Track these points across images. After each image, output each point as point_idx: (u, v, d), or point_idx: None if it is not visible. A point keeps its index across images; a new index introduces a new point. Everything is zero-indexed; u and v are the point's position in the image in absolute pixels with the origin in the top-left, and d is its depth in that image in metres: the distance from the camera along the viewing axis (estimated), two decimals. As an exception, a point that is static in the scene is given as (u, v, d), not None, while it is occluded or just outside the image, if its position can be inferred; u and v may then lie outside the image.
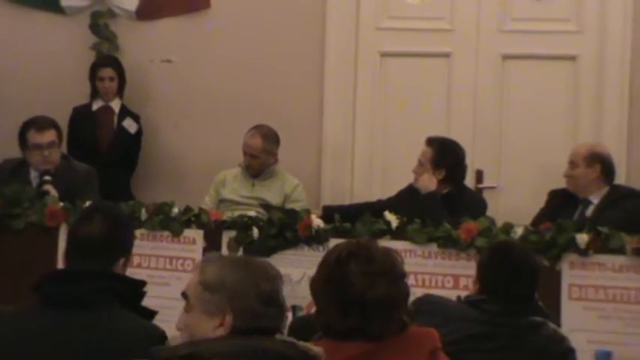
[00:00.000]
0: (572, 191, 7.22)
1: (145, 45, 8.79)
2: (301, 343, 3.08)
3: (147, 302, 4.24)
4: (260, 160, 7.85)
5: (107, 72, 8.59)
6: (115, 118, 8.61)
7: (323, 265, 3.86)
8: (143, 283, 4.25)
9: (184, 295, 3.22)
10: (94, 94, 8.64)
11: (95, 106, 8.64)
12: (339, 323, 3.74)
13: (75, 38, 8.81)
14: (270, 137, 7.88)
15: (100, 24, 8.81)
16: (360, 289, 3.71)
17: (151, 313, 4.02)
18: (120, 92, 8.64)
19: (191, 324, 3.19)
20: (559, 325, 5.72)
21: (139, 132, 8.65)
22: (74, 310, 3.98)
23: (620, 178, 7.50)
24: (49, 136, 7.38)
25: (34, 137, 7.37)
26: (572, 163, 7.19)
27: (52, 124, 7.47)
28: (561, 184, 7.36)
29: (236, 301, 3.15)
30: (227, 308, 3.14)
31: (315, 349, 2.95)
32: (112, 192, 7.51)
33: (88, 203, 6.58)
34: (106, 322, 3.94)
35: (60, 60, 8.82)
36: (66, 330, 3.96)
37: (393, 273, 3.82)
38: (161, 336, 3.74)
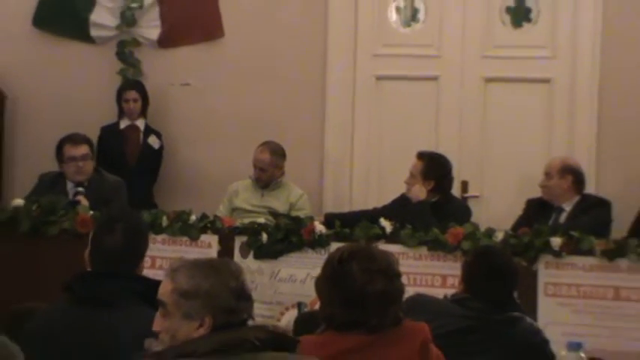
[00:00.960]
0: (547, 200, 7.26)
1: (166, 70, 8.78)
2: (270, 326, 3.17)
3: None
4: (268, 173, 7.85)
5: (132, 94, 8.58)
6: (141, 136, 8.59)
7: (327, 265, 3.86)
8: (160, 283, 4.22)
9: (160, 301, 3.16)
10: (121, 114, 8.61)
11: (122, 124, 8.62)
12: (340, 316, 3.74)
13: (103, 65, 8.80)
14: (277, 152, 7.88)
15: (125, 52, 8.81)
16: (361, 285, 3.70)
17: None
18: (143, 112, 8.63)
19: (171, 328, 3.12)
20: (535, 319, 5.76)
21: (161, 147, 8.63)
22: (99, 307, 4.03)
23: (590, 188, 7.47)
24: (83, 149, 7.44)
25: (70, 151, 7.42)
26: (547, 175, 7.23)
27: (85, 139, 7.55)
28: (537, 193, 7.39)
29: (213, 304, 3.10)
30: (205, 311, 3.09)
31: (284, 328, 2.86)
32: (137, 201, 7.54)
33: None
34: (128, 318, 3.97)
35: (89, 84, 8.81)
36: (92, 324, 3.98)
37: (389, 271, 3.82)
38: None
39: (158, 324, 3.16)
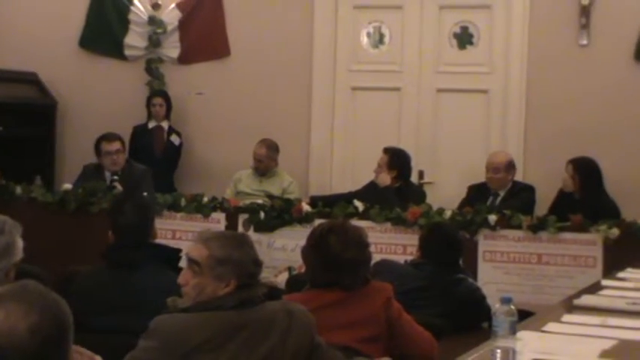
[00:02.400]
0: (492, 188, 7.19)
1: (184, 82, 8.75)
2: (268, 281, 3.22)
3: (185, 263, 4.22)
4: (265, 164, 7.84)
5: (158, 100, 8.55)
6: (165, 134, 8.55)
7: (311, 237, 3.89)
8: (179, 250, 4.26)
9: (194, 260, 3.14)
10: (149, 116, 8.58)
11: (150, 125, 8.58)
12: (321, 277, 3.79)
13: (134, 78, 8.77)
14: (272, 147, 7.87)
15: (152, 67, 8.78)
16: (337, 253, 3.73)
17: None
18: (167, 115, 8.59)
19: (200, 285, 3.12)
20: (476, 280, 5.79)
21: (181, 144, 8.60)
22: (131, 270, 4.05)
23: (519, 176, 7.48)
24: (116, 145, 7.48)
25: (106, 147, 7.46)
26: (496, 170, 7.19)
27: (117, 137, 7.58)
28: (477, 180, 7.39)
29: (239, 270, 3.11)
30: (232, 275, 3.10)
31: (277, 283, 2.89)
32: (162, 186, 7.54)
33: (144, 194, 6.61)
34: (153, 278, 3.98)
35: (123, 93, 8.79)
36: (123, 284, 4.03)
37: (360, 242, 3.87)
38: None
39: (186, 279, 3.15)
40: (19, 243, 3.43)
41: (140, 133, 8.52)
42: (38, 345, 1.94)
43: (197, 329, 2.98)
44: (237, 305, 3.04)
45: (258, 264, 3.18)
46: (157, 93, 8.61)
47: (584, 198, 6.78)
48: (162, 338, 2.98)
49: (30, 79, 8.84)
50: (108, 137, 7.51)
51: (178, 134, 8.57)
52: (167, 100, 8.57)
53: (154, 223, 4.38)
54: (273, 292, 3.23)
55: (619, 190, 7.05)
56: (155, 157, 8.33)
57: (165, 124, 8.57)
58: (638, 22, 7.68)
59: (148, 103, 8.57)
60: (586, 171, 6.89)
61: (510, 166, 7.24)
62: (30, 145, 8.52)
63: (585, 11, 7.76)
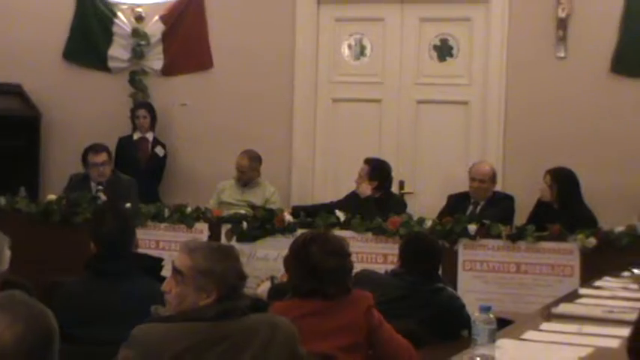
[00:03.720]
0: (475, 198, 7.20)
1: (168, 94, 8.75)
2: (252, 294, 3.21)
3: (167, 272, 4.23)
4: (247, 175, 7.84)
5: (142, 112, 8.53)
6: (150, 146, 8.54)
7: (293, 247, 3.89)
8: (161, 260, 4.26)
9: (178, 270, 3.12)
10: (134, 128, 8.57)
11: (135, 136, 8.57)
12: (303, 286, 3.78)
13: (118, 89, 8.76)
14: (254, 158, 7.88)
15: (136, 79, 8.77)
16: (318, 262, 3.73)
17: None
18: (152, 127, 8.57)
19: (182, 294, 3.10)
20: (456, 289, 5.81)
21: (165, 155, 8.58)
22: (114, 280, 4.03)
23: (498, 186, 7.48)
24: (103, 157, 7.49)
25: (93, 158, 7.49)
26: (482, 180, 7.18)
27: (104, 148, 7.60)
28: (457, 190, 7.41)
29: (222, 282, 3.09)
30: (214, 287, 3.08)
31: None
32: (146, 196, 7.54)
33: (128, 205, 6.60)
34: (135, 288, 3.97)
35: (107, 105, 8.78)
36: (108, 292, 4.02)
37: (342, 252, 3.87)
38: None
39: (170, 286, 3.14)
40: (7, 254, 3.44)
41: (125, 144, 8.51)
42: (23, 355, 1.94)
43: (176, 339, 2.98)
44: (217, 316, 3.02)
45: (241, 277, 3.15)
46: (141, 105, 8.59)
47: (562, 207, 6.81)
48: (142, 347, 2.98)
49: (14, 91, 8.83)
50: (95, 148, 7.52)
51: (163, 146, 8.56)
52: (151, 111, 8.56)
53: (134, 233, 4.38)
54: (259, 304, 3.23)
55: (596, 200, 7.09)
56: (140, 169, 8.31)
57: (150, 136, 8.55)
58: (614, 35, 7.74)
59: (133, 115, 8.55)
60: (563, 181, 6.92)
61: (493, 177, 7.27)
62: (14, 156, 8.49)
63: (562, 24, 7.81)
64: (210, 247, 3.25)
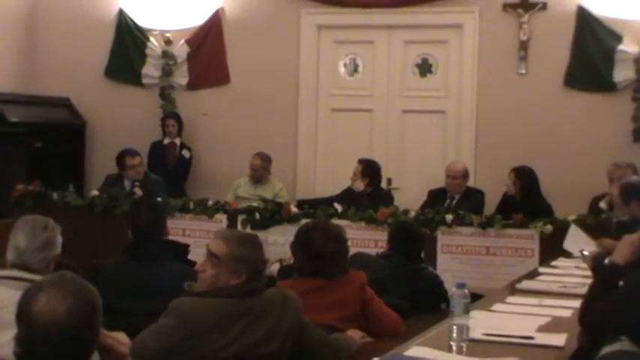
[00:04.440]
0: (450, 192, 7.18)
1: (192, 105, 8.71)
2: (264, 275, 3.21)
3: (192, 256, 4.24)
4: (259, 173, 7.82)
5: (171, 121, 8.51)
6: (177, 149, 8.51)
7: (297, 234, 3.91)
8: (188, 245, 4.27)
9: (214, 254, 3.12)
10: (164, 134, 8.55)
11: (165, 141, 8.55)
12: (307, 267, 3.80)
13: (150, 102, 8.74)
14: (265, 159, 7.86)
15: (165, 93, 8.73)
16: (319, 246, 3.74)
17: (193, 263, 4.00)
18: (179, 133, 8.54)
19: (216, 275, 3.11)
20: (435, 269, 5.79)
21: (191, 157, 8.55)
22: (148, 263, 4.02)
23: (471, 182, 7.47)
24: (138, 159, 7.51)
25: (129, 161, 7.49)
26: (454, 177, 7.17)
27: (137, 152, 7.61)
28: (436, 186, 7.37)
29: (252, 267, 3.11)
30: (245, 271, 3.10)
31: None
32: (174, 192, 7.51)
33: (158, 199, 6.60)
34: (167, 270, 3.96)
35: (141, 114, 8.74)
36: (142, 273, 4.02)
37: (339, 237, 3.87)
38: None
39: (204, 267, 3.13)
40: (59, 240, 3.44)
41: (156, 148, 8.49)
42: (75, 324, 1.96)
43: (210, 312, 2.99)
44: (245, 294, 3.04)
45: (265, 261, 3.21)
46: (170, 115, 8.56)
47: (524, 200, 6.81)
48: (181, 317, 2.99)
49: (63, 103, 8.82)
50: (131, 152, 7.52)
51: (189, 149, 8.54)
52: (179, 120, 8.54)
53: (165, 222, 4.38)
54: (271, 281, 3.25)
55: (552, 193, 7.09)
56: (168, 169, 8.29)
57: (177, 141, 8.53)
58: (567, 55, 7.74)
59: (163, 124, 8.54)
60: (525, 177, 6.92)
61: (466, 174, 7.26)
62: (63, 158, 8.49)
63: (524, 45, 7.81)
64: (243, 237, 3.28)
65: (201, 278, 3.15)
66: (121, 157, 7.54)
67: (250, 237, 3.30)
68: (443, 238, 6.46)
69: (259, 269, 3.14)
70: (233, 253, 3.10)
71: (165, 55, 8.72)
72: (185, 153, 8.52)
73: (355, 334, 3.59)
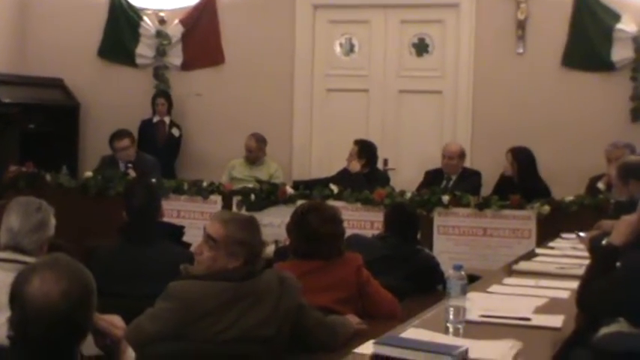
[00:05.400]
0: (446, 172, 7.18)
1: (186, 85, 8.69)
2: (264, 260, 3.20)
3: (187, 238, 4.24)
4: (255, 154, 7.81)
5: (160, 100, 8.50)
6: (167, 128, 8.50)
7: (293, 215, 3.90)
8: (182, 227, 4.26)
9: (212, 237, 3.11)
10: (154, 113, 8.54)
11: (155, 119, 8.53)
12: (302, 249, 3.79)
13: (144, 82, 8.71)
14: (260, 140, 7.86)
15: (159, 73, 8.72)
16: (315, 228, 3.74)
17: (188, 245, 4.00)
18: (169, 111, 8.53)
19: (213, 258, 3.10)
20: (432, 250, 5.81)
21: (181, 136, 8.54)
22: (142, 244, 4.01)
23: (467, 163, 7.46)
24: (126, 142, 7.42)
25: (117, 144, 7.44)
26: (451, 157, 7.18)
27: (126, 134, 7.52)
28: (433, 166, 7.38)
29: (250, 250, 3.11)
30: (243, 254, 3.09)
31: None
32: (163, 172, 7.50)
33: (153, 180, 6.58)
34: (161, 251, 3.96)
35: (135, 94, 8.71)
36: (137, 254, 4.01)
37: (335, 219, 3.87)
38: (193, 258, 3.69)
39: (201, 249, 3.12)
40: (52, 221, 3.43)
41: (146, 126, 8.49)
42: (69, 307, 1.95)
43: (208, 296, 2.99)
44: (243, 277, 3.04)
45: (263, 244, 3.20)
46: (160, 94, 8.56)
47: (521, 181, 6.82)
48: (179, 301, 2.99)
49: (56, 84, 8.80)
50: (118, 135, 7.46)
51: (178, 128, 8.52)
52: (168, 99, 8.53)
53: (161, 204, 4.37)
54: (267, 263, 3.24)
55: (549, 174, 7.10)
56: (157, 147, 8.25)
57: (167, 119, 8.51)
58: (565, 34, 7.72)
59: (153, 103, 8.52)
60: (522, 158, 6.93)
61: (462, 154, 7.26)
62: (57, 139, 8.49)
63: (521, 24, 7.79)
64: (241, 220, 3.24)
65: (199, 261, 3.14)
66: (111, 140, 7.52)
67: (248, 220, 3.27)
68: (439, 219, 6.46)
69: (257, 252, 3.13)
70: (231, 236, 3.09)
71: (159, 34, 8.69)
72: (174, 131, 8.50)
73: (352, 320, 3.59)
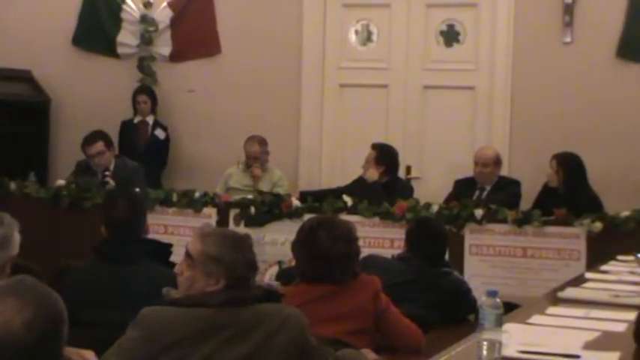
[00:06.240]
0: (480, 182, 7.18)
1: (176, 79, 8.74)
2: (265, 284, 3.17)
3: (175, 257, 4.22)
4: (261, 160, 7.73)
5: (142, 97, 8.55)
6: (149, 129, 8.54)
7: (300, 232, 3.89)
8: (170, 245, 4.25)
9: (189, 254, 3.11)
10: (135, 112, 8.59)
11: (136, 120, 8.59)
12: (311, 271, 3.79)
13: (126, 75, 8.76)
14: (263, 143, 7.79)
15: (144, 65, 8.77)
16: (326, 247, 3.73)
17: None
18: (153, 110, 8.57)
19: (191, 278, 3.09)
20: (462, 273, 5.81)
21: (167, 138, 8.58)
22: (123, 264, 4.02)
23: (504, 171, 7.48)
24: (97, 147, 7.31)
25: (87, 150, 7.35)
26: (485, 165, 7.16)
27: (100, 136, 7.40)
28: (463, 175, 7.38)
29: (230, 271, 3.07)
30: (222, 275, 3.06)
31: (275, 286, 2.85)
32: (148, 181, 7.48)
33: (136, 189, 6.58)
34: (144, 273, 3.96)
35: (116, 90, 8.75)
36: (117, 277, 4.01)
37: (349, 236, 3.86)
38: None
39: (181, 269, 3.13)
40: (17, 238, 3.43)
41: (126, 127, 8.53)
42: (33, 339, 1.95)
43: (179, 324, 2.96)
44: (221, 304, 2.99)
45: (252, 267, 3.12)
46: (142, 90, 8.59)
47: (568, 192, 6.80)
48: (145, 330, 2.97)
49: (24, 77, 8.83)
50: (89, 139, 7.34)
51: (164, 129, 8.55)
52: (152, 96, 8.56)
53: (146, 218, 4.37)
54: (272, 296, 3.17)
55: (602, 185, 7.08)
56: (139, 151, 8.28)
57: (150, 119, 8.56)
58: (620, 20, 7.71)
59: (134, 100, 8.56)
60: (569, 165, 6.91)
61: (498, 161, 7.26)
62: (24, 141, 8.50)
63: (569, 9, 7.79)
64: (223, 235, 3.21)
65: (179, 282, 3.14)
66: (82, 145, 7.48)
67: (235, 236, 3.24)
68: (471, 238, 6.45)
69: (241, 275, 3.08)
70: (207, 252, 3.07)
71: (145, 20, 8.73)
72: (159, 133, 8.53)
73: (369, 356, 3.57)
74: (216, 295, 3.02)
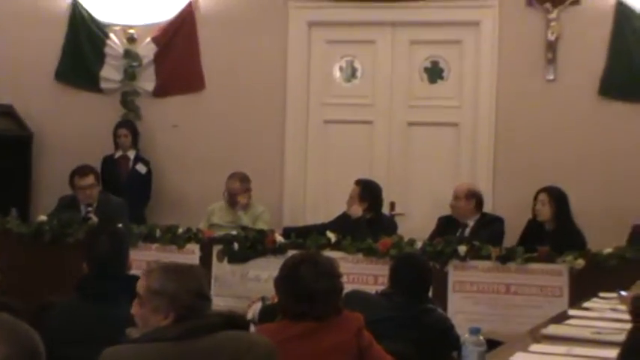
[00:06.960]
0: (455, 217, 7.23)
1: (159, 114, 8.74)
2: (225, 311, 3.14)
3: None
4: (242, 197, 7.71)
5: (122, 131, 8.56)
6: (130, 163, 8.56)
7: (283, 268, 3.87)
8: None
9: (137, 293, 3.12)
10: (116, 146, 8.59)
11: (117, 155, 8.60)
12: (292, 308, 3.76)
13: (109, 110, 8.75)
14: (245, 179, 7.79)
15: (127, 100, 8.77)
16: (308, 284, 3.71)
17: None
18: (134, 145, 8.58)
19: (144, 317, 3.10)
20: (445, 310, 5.79)
21: (149, 172, 8.57)
22: (105, 301, 4.00)
23: (488, 208, 7.49)
24: (89, 180, 7.46)
25: (79, 181, 7.45)
26: (457, 198, 7.25)
27: (90, 170, 7.57)
28: (447, 212, 7.40)
29: (175, 302, 3.05)
30: (169, 307, 3.04)
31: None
32: (130, 217, 7.47)
33: (119, 225, 6.57)
34: (127, 309, 3.91)
35: (99, 125, 8.73)
36: (97, 314, 3.99)
37: (331, 273, 3.85)
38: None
39: (135, 310, 3.14)
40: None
41: (107, 163, 8.54)
42: (9, 377, 1.93)
43: None
44: (177, 337, 2.95)
45: (200, 296, 3.09)
46: (122, 124, 8.61)
47: (556, 226, 6.83)
48: None
49: (5, 111, 8.81)
50: (80, 172, 7.47)
51: (145, 163, 8.55)
52: (133, 130, 8.58)
53: (128, 254, 4.36)
54: (237, 322, 3.14)
55: (584, 221, 7.10)
56: (120, 186, 8.27)
57: (131, 154, 8.57)
58: (602, 58, 7.78)
59: (115, 134, 8.57)
60: (559, 199, 6.95)
61: (470, 195, 7.26)
62: (5, 176, 8.46)
63: (552, 47, 7.85)
64: (166, 268, 3.19)
65: (136, 322, 3.14)
66: (71, 177, 7.52)
67: (178, 267, 3.23)
68: (455, 274, 6.46)
69: (188, 304, 3.06)
70: (150, 287, 3.08)
71: (128, 55, 8.74)
72: (140, 168, 8.53)
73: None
74: (169, 330, 2.99)
